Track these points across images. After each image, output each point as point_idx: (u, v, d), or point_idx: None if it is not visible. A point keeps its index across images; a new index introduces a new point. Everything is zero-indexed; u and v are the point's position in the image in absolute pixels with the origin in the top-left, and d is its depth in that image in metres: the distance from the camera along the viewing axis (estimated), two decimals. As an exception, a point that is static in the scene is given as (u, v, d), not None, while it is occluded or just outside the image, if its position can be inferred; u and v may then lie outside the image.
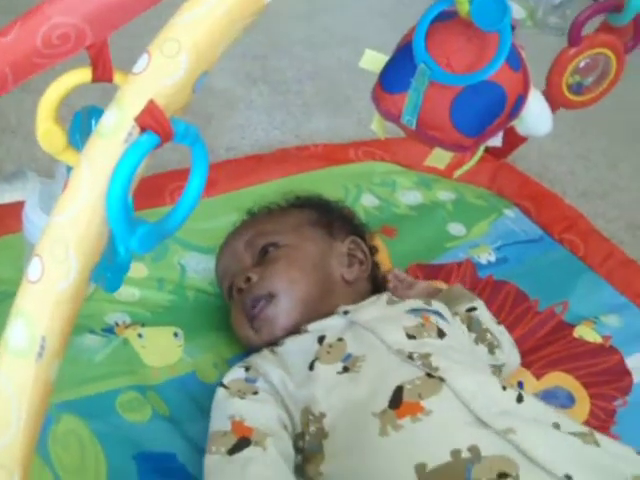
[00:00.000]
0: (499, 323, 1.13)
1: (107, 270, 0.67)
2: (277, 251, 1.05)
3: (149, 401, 0.97)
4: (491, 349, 1.06)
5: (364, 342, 0.93)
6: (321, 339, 0.95)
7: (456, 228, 1.41)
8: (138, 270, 1.14)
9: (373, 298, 1.03)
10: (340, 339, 0.94)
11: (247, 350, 1.04)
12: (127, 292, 1.10)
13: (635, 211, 1.63)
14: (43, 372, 0.58)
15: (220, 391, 0.92)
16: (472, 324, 1.07)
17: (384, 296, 1.03)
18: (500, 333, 1.10)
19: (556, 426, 0.83)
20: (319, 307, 1.01)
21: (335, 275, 1.06)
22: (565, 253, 1.41)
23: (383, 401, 0.84)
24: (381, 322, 0.96)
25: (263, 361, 0.95)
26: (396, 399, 0.84)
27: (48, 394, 0.59)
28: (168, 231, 0.62)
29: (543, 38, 2.14)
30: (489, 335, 1.07)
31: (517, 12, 2.53)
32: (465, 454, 0.77)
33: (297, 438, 0.89)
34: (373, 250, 1.16)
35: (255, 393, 0.91)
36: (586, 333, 1.23)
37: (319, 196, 1.20)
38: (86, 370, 0.98)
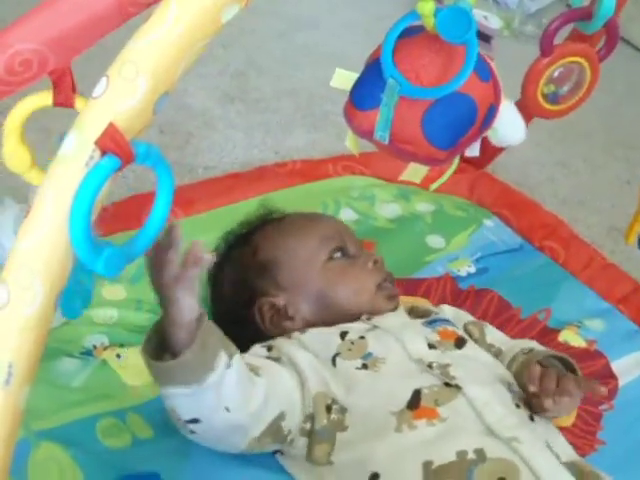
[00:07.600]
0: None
1: (74, 295, 0.67)
2: None
3: (129, 426, 0.97)
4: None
5: (386, 345, 0.97)
6: (343, 334, 0.98)
7: (435, 240, 1.40)
8: (116, 292, 1.14)
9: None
10: (362, 337, 0.98)
11: None
12: (105, 314, 1.10)
13: (615, 215, 1.64)
14: (11, 398, 0.58)
15: None
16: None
17: (402, 307, 1.08)
18: None
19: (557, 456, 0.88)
20: None
21: None
22: (546, 260, 1.41)
23: (401, 402, 0.90)
24: (404, 329, 1.00)
25: (285, 343, 0.98)
26: (414, 401, 0.90)
27: (18, 419, 0.59)
28: (135, 253, 0.62)
29: (520, 47, 2.15)
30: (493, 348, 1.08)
31: (494, 22, 2.51)
32: (471, 455, 0.83)
33: (305, 419, 0.92)
34: None
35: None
36: (571, 337, 1.24)
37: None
38: (65, 395, 0.97)
